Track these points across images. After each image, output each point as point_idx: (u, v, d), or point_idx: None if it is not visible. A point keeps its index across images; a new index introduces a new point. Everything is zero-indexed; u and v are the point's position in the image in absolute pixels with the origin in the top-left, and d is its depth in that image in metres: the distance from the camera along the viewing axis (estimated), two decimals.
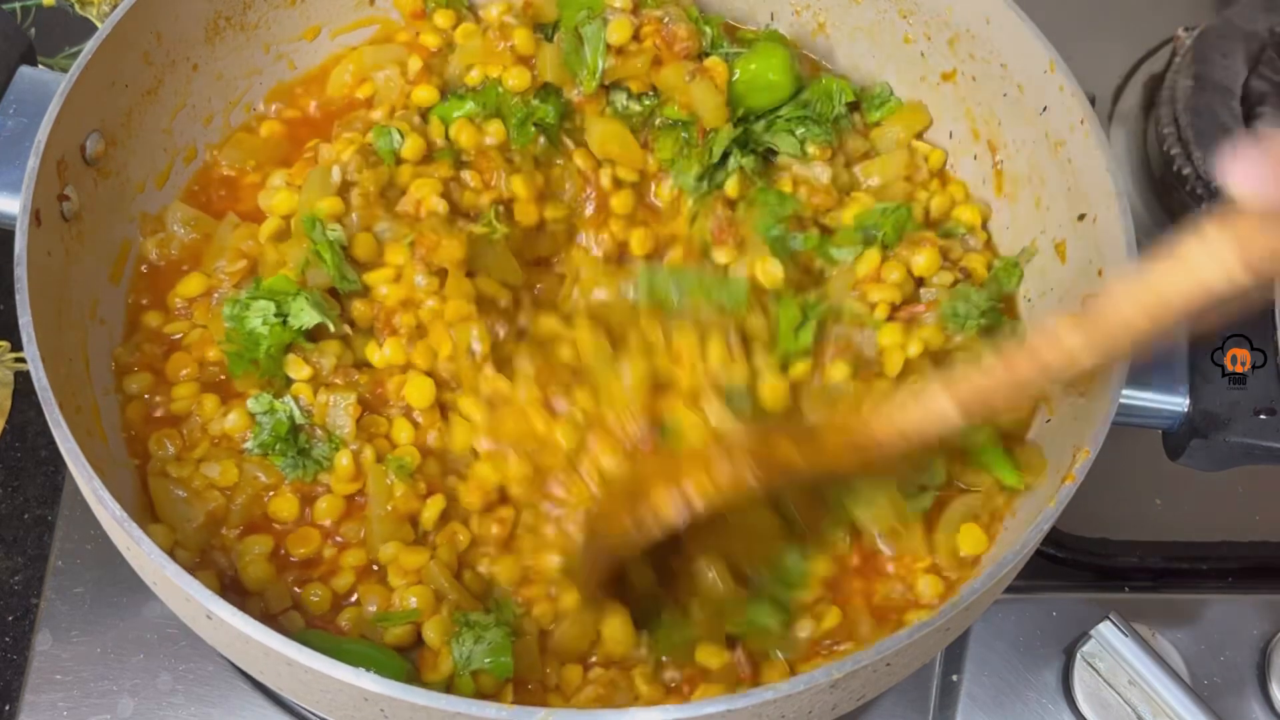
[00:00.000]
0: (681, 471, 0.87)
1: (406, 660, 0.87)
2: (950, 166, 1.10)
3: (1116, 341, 0.73)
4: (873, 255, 1.01)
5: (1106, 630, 1.02)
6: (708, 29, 1.06)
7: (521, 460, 0.93)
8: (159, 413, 0.95)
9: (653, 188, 1.07)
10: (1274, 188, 0.62)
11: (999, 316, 1.00)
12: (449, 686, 0.85)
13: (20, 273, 0.84)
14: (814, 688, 0.73)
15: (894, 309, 0.99)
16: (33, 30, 1.40)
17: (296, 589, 0.89)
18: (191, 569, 0.77)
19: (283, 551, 0.91)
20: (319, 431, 0.92)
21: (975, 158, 1.09)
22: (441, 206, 0.98)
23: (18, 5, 1.41)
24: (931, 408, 0.82)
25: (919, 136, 1.11)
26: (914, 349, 0.97)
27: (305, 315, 0.92)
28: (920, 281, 1.01)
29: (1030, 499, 0.93)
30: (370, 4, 1.12)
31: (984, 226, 1.07)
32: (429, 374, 0.95)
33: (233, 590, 0.89)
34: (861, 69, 1.14)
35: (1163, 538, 1.18)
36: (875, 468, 0.91)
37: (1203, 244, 0.66)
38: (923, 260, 1.00)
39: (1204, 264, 0.66)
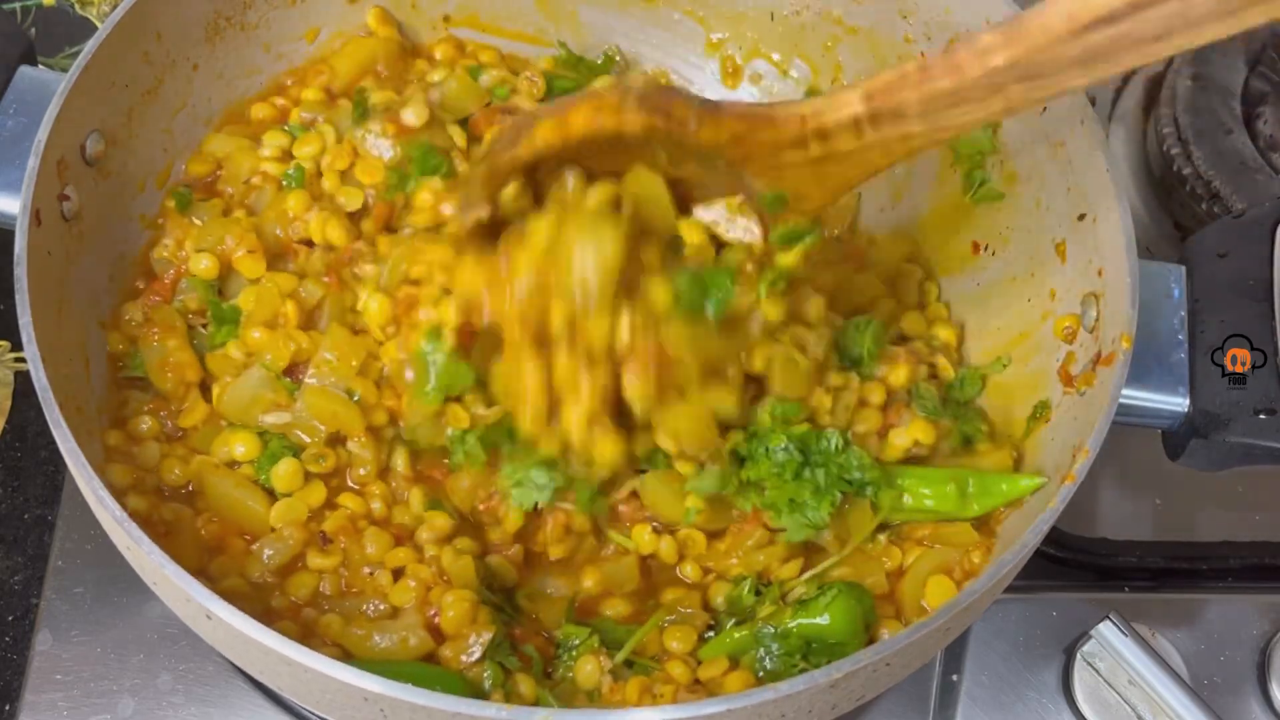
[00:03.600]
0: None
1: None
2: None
3: (1039, 64, 0.73)
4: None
5: (1106, 630, 1.02)
6: None
7: None
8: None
9: None
10: None
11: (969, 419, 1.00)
12: None
13: (20, 273, 0.84)
14: (814, 688, 0.73)
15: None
16: (33, 30, 1.40)
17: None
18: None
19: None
20: None
21: None
22: None
23: (18, 5, 1.41)
24: (841, 98, 0.82)
25: None
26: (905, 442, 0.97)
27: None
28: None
29: (1030, 498, 0.93)
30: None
31: (958, 348, 1.07)
32: None
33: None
34: (862, 69, 1.14)
35: (1163, 538, 1.18)
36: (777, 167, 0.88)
37: None
38: (902, 375, 0.98)
39: None
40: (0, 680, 1.06)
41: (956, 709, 1.04)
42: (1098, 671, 1.03)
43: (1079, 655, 1.04)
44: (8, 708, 1.03)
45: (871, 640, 0.90)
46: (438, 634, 0.88)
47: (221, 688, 1.03)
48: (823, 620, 0.88)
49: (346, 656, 0.84)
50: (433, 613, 0.88)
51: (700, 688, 0.89)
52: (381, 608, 0.89)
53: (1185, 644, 1.07)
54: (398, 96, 1.07)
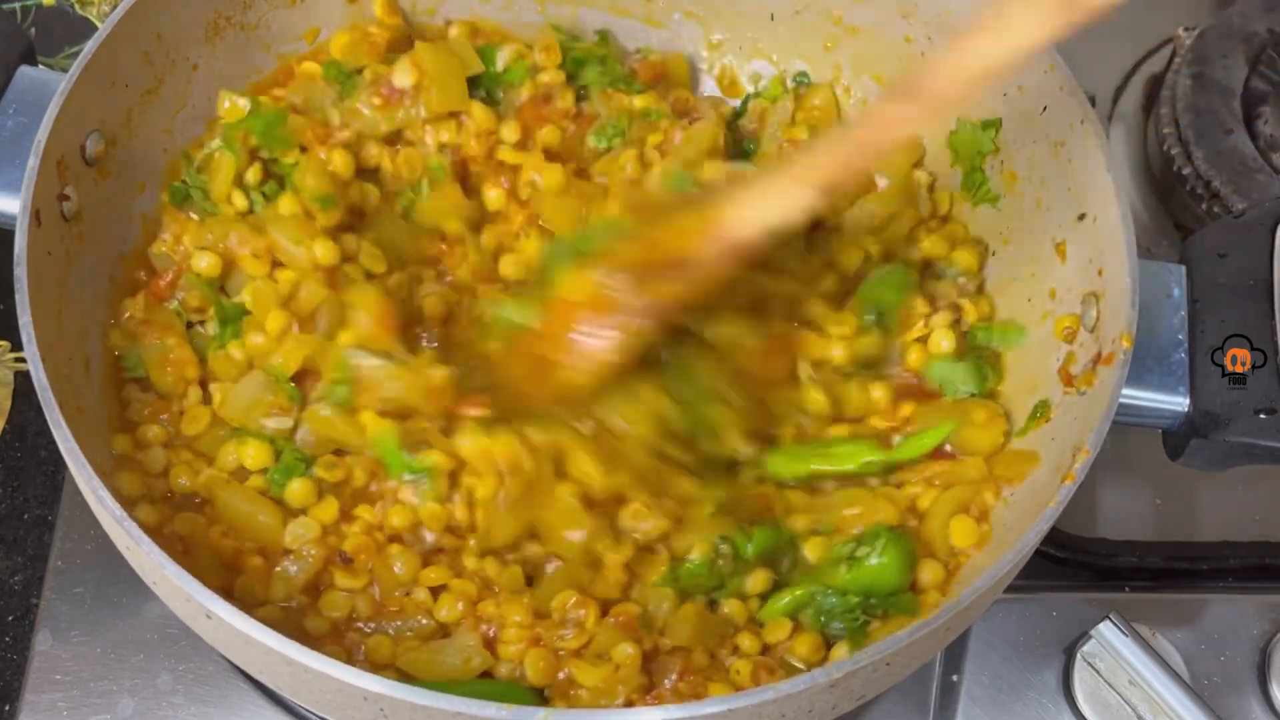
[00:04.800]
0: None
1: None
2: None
3: (946, 106, 0.79)
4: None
5: (1106, 630, 1.02)
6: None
7: None
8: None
9: None
10: None
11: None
12: None
13: (20, 273, 0.84)
14: (814, 688, 0.73)
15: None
16: (33, 30, 1.40)
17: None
18: None
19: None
20: None
21: None
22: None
23: (18, 5, 1.41)
24: (785, 195, 0.85)
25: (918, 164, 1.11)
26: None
27: None
28: None
29: (1030, 499, 0.93)
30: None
31: (980, 270, 1.07)
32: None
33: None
34: (862, 70, 1.14)
35: (1163, 538, 1.18)
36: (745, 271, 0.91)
37: (1024, 4, 0.72)
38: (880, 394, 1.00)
39: (1024, 25, 0.73)
40: (0, 680, 1.06)
41: (956, 709, 1.04)
42: (1098, 671, 1.03)
43: (1079, 655, 1.04)
44: (8, 708, 1.03)
45: (916, 583, 0.92)
46: (493, 647, 0.88)
47: (221, 688, 1.03)
48: (875, 563, 0.89)
49: (407, 679, 0.82)
50: (488, 629, 0.88)
51: (771, 655, 0.90)
52: (427, 623, 0.88)
53: (1185, 644, 1.07)
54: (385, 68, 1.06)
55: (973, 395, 1.00)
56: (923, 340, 1.02)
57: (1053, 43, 0.73)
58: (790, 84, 1.16)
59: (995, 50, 0.74)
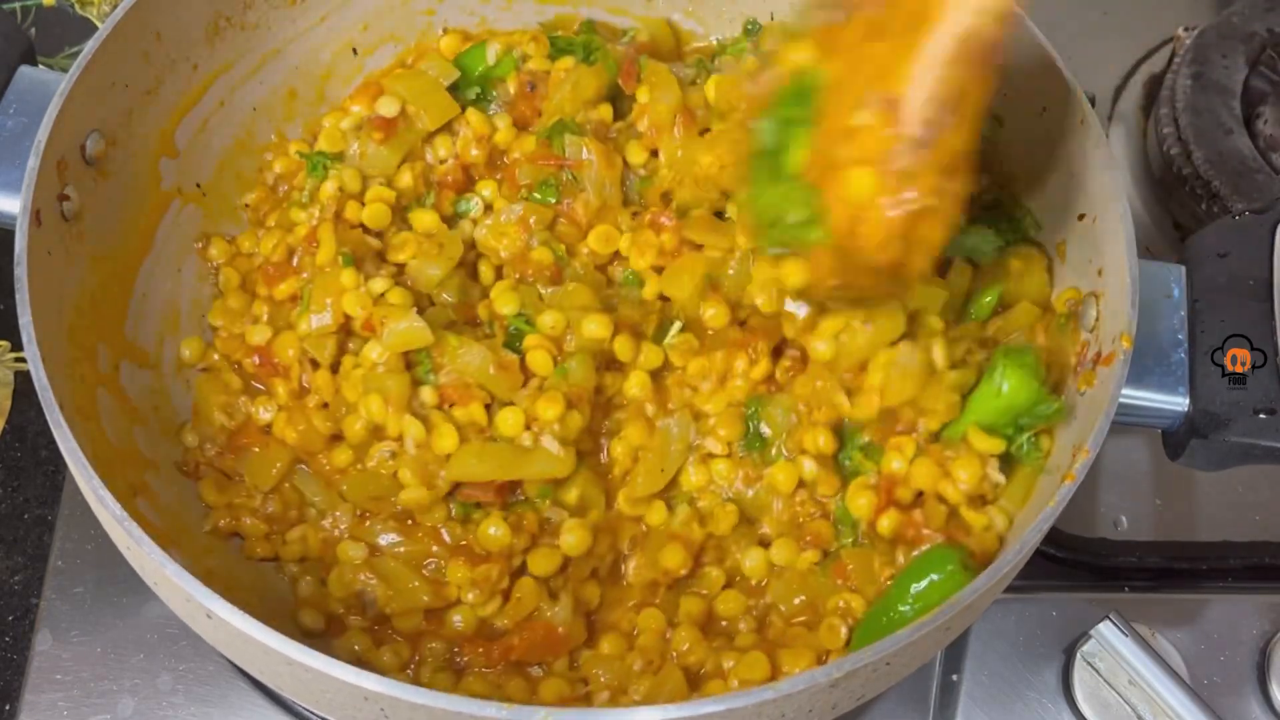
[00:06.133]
0: None
1: None
2: None
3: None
4: None
5: (1106, 630, 1.02)
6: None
7: None
8: None
9: None
10: None
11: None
12: None
13: (20, 273, 0.84)
14: (814, 687, 0.73)
15: None
16: (33, 30, 1.40)
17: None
18: None
19: None
20: None
21: None
22: None
23: (18, 5, 1.41)
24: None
25: None
26: None
27: None
28: None
29: (1030, 497, 0.93)
30: None
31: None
32: None
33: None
34: None
35: (1163, 538, 1.18)
36: None
37: None
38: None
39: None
40: (0, 680, 1.06)
41: (956, 709, 1.05)
42: (1098, 671, 1.03)
43: (1079, 655, 1.04)
44: (8, 708, 1.03)
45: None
46: None
47: (221, 688, 1.03)
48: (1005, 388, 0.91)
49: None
50: None
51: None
52: None
53: (1185, 644, 1.07)
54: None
55: (1002, 249, 1.01)
56: None
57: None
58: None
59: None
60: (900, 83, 0.77)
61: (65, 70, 0.92)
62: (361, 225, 1.03)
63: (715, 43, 1.18)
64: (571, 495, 0.95)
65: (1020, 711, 1.04)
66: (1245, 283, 0.97)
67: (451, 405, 0.95)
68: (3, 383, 1.18)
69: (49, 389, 0.80)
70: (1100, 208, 0.94)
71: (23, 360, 0.89)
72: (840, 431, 0.96)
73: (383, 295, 0.98)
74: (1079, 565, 1.15)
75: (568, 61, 1.10)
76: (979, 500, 0.93)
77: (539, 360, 0.96)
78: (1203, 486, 1.20)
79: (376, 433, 0.96)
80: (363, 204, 1.03)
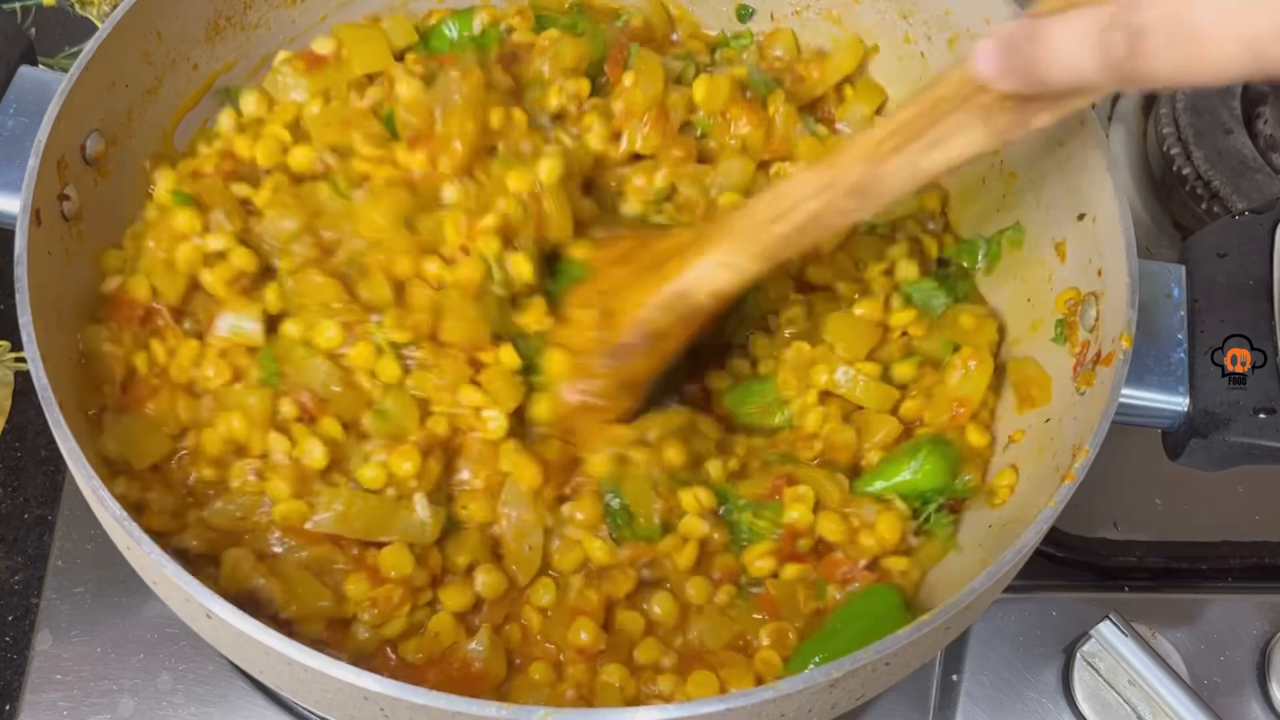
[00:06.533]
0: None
1: None
2: None
3: (890, 199, 0.85)
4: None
5: (1106, 630, 1.02)
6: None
7: None
8: None
9: None
10: (1008, 72, 0.76)
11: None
12: None
13: (20, 273, 0.84)
14: (813, 687, 0.73)
15: None
16: (33, 30, 1.40)
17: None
18: None
19: None
20: None
21: None
22: None
23: (18, 5, 1.41)
24: (732, 264, 0.89)
25: None
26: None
27: None
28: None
29: (1030, 498, 0.93)
30: None
31: (942, 211, 1.09)
32: None
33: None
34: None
35: (1163, 538, 1.18)
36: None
37: (977, 121, 0.80)
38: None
39: (973, 137, 0.81)
40: (0, 680, 1.06)
41: (956, 709, 1.05)
42: (1098, 671, 1.03)
43: (1079, 655, 1.04)
44: (8, 708, 1.03)
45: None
46: None
47: (221, 688, 1.03)
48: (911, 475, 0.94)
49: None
50: None
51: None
52: None
53: (1185, 644, 1.07)
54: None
55: (951, 305, 1.01)
56: (889, 272, 1.03)
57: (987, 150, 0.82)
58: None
59: (942, 157, 0.82)
60: (622, 303, 0.92)
61: (65, 70, 0.92)
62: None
63: (716, 35, 1.17)
64: (462, 559, 0.89)
65: (1020, 711, 1.04)
66: (1245, 283, 0.97)
67: (312, 420, 0.89)
68: (3, 383, 1.18)
69: (49, 389, 0.80)
70: (1100, 208, 0.94)
71: (23, 360, 0.89)
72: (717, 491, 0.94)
73: (222, 254, 0.92)
74: (1079, 565, 1.15)
75: (553, 33, 1.08)
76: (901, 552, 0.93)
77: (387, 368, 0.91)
78: (1203, 486, 1.20)
79: (239, 451, 0.90)
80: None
